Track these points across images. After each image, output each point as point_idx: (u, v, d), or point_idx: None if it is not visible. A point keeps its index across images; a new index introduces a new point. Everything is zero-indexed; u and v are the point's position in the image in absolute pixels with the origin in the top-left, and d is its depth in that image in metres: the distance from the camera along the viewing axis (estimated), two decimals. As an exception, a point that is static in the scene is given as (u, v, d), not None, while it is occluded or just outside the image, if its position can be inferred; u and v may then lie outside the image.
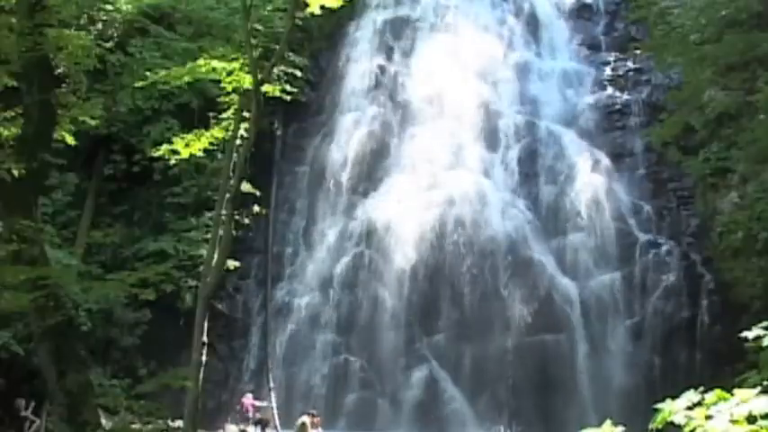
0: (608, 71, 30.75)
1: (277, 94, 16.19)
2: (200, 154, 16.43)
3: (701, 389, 3.72)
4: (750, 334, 7.22)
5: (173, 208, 27.19)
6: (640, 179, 28.26)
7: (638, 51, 30.07)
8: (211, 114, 16.49)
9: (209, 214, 24.74)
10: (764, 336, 6.94)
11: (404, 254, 26.70)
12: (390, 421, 24.76)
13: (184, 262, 25.34)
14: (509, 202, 27.81)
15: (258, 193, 23.06)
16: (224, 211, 14.24)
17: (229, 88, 15.12)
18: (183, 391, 14.71)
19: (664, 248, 26.11)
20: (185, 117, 25.18)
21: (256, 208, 20.29)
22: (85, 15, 24.83)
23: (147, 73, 17.89)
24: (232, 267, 19.79)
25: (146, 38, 27.45)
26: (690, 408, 3.58)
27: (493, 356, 25.19)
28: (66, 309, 14.86)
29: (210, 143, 15.77)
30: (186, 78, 16.66)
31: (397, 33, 32.27)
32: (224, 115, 15.68)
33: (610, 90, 30.20)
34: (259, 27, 21.03)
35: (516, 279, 26.14)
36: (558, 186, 27.96)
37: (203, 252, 21.15)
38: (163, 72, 17.21)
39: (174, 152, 15.98)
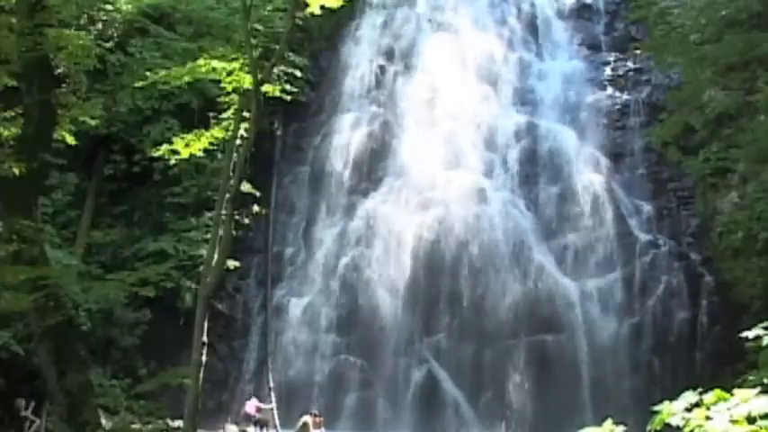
0: (608, 71, 30.76)
1: (277, 94, 16.17)
2: (200, 154, 16.41)
3: (701, 389, 3.72)
4: (750, 334, 7.21)
5: (173, 208, 27.18)
6: (640, 179, 28.25)
7: (638, 51, 30.07)
8: (211, 114, 16.48)
9: (209, 214, 24.74)
10: (764, 335, 6.94)
11: (404, 254, 26.70)
12: (390, 421, 24.76)
13: (184, 262, 25.35)
14: (509, 202, 27.80)
15: (258, 194, 23.01)
16: (224, 211, 14.23)
17: (229, 88, 15.10)
18: (182, 390, 14.72)
19: (664, 248, 26.11)
20: (185, 117, 25.18)
21: (256, 208, 20.25)
22: (85, 15, 24.83)
23: (147, 73, 17.87)
24: (232, 267, 19.78)
25: (146, 38, 27.45)
26: (688, 409, 3.58)
27: (493, 356, 25.20)
28: (66, 309, 14.86)
29: (210, 143, 15.75)
30: (186, 78, 16.63)
31: (397, 33, 32.27)
32: (224, 115, 15.67)
33: (610, 90, 30.21)
34: (259, 27, 21.04)
35: (516, 279, 26.14)
36: (558, 186, 27.96)
37: (203, 252, 21.14)
38: (163, 72, 17.19)
39: (174, 152, 15.96)
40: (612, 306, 25.57)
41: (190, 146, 15.73)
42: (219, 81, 15.48)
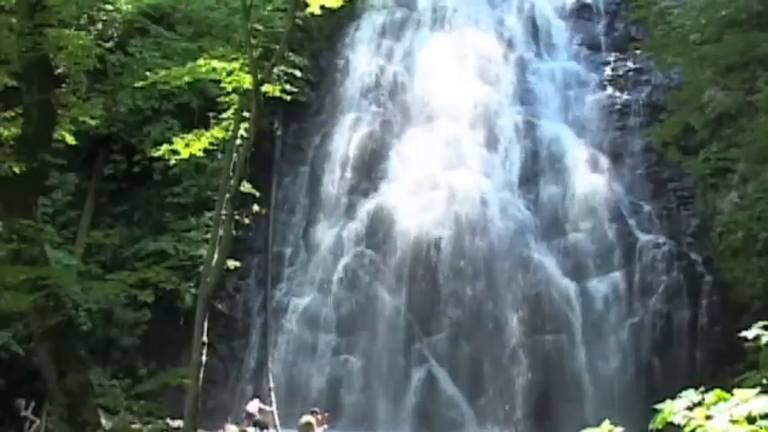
0: (608, 71, 30.75)
1: (277, 94, 16.18)
2: (200, 154, 16.41)
3: (701, 389, 3.72)
4: (750, 334, 7.22)
5: (173, 208, 27.18)
6: (640, 179, 28.25)
7: (638, 51, 30.05)
8: (211, 114, 16.48)
9: (209, 214, 24.73)
10: (764, 335, 6.94)
11: (404, 254, 26.70)
12: (390, 421, 24.76)
13: (184, 262, 25.34)
14: (509, 201, 27.80)
15: (258, 194, 23.03)
16: (224, 211, 14.23)
17: (229, 88, 15.10)
18: (182, 390, 14.73)
19: (664, 248, 26.11)
20: (185, 117, 25.17)
21: (256, 208, 20.28)
22: (85, 15, 24.83)
23: (147, 73, 17.87)
24: (232, 267, 19.78)
25: (146, 38, 27.44)
26: (690, 408, 3.58)
27: (493, 356, 25.20)
28: (66, 309, 14.86)
29: (210, 143, 15.76)
30: (186, 78, 16.64)
31: (397, 33, 32.28)
32: (224, 115, 15.67)
33: (610, 90, 30.20)
34: (259, 27, 21.04)
35: (516, 279, 26.14)
36: (557, 186, 27.96)
37: (203, 252, 21.14)
38: (163, 72, 17.19)
39: (174, 152, 15.96)
40: (612, 306, 25.56)
41: (190, 146, 15.74)
42: (219, 81, 15.48)
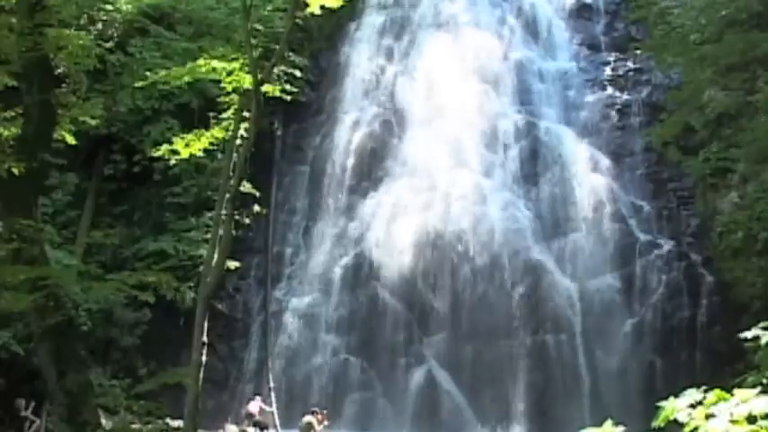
0: (608, 71, 30.74)
1: (277, 94, 16.18)
2: (200, 154, 16.42)
3: (702, 389, 3.72)
4: (749, 334, 7.22)
5: (173, 208, 27.18)
6: (640, 179, 28.25)
7: (638, 51, 30.05)
8: (211, 114, 16.49)
9: (209, 214, 24.73)
10: (763, 335, 6.95)
11: (404, 254, 26.70)
12: (390, 421, 24.75)
13: (184, 262, 25.35)
14: (509, 202, 27.80)
15: (258, 194, 23.06)
16: (224, 211, 14.23)
17: (229, 88, 15.11)
18: (182, 390, 14.72)
19: (664, 248, 26.11)
20: (185, 117, 25.18)
21: (256, 208, 20.30)
22: (85, 15, 24.83)
23: (147, 73, 17.88)
24: (232, 267, 19.82)
25: (146, 38, 27.44)
26: (692, 406, 3.58)
27: (493, 356, 25.19)
28: (66, 309, 14.85)
29: (210, 143, 15.76)
30: (186, 78, 16.64)
31: (397, 33, 32.27)
32: (224, 115, 15.67)
33: (610, 90, 30.20)
34: (259, 27, 21.02)
35: (516, 279, 26.14)
36: (557, 186, 27.95)
37: (203, 252, 21.14)
38: (163, 72, 17.20)
39: (174, 152, 15.97)
40: (612, 306, 25.56)
41: (190, 146, 15.74)
42: (219, 81, 15.48)
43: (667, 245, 26.19)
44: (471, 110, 29.43)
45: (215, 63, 15.20)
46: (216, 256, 14.10)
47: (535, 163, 28.61)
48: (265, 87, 14.69)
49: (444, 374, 25.28)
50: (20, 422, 20.69)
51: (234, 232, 14.74)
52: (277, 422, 24.54)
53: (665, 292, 25.29)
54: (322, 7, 14.07)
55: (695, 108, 26.43)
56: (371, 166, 29.02)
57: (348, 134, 29.54)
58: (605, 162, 28.33)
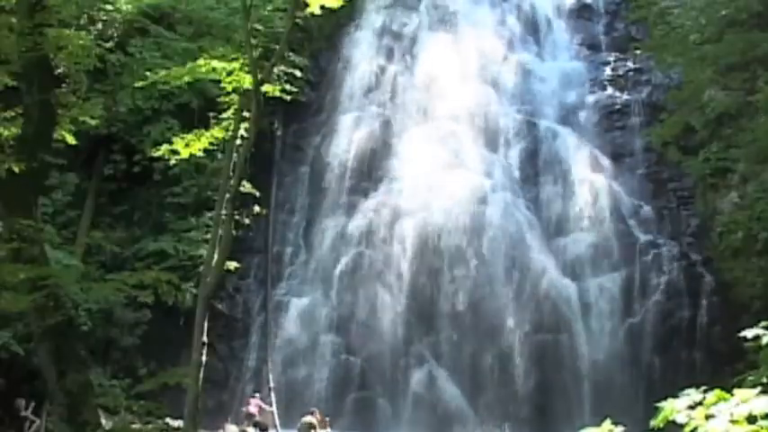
0: (608, 71, 30.75)
1: (277, 94, 16.16)
2: (200, 154, 16.40)
3: (702, 389, 3.72)
4: (749, 333, 7.21)
5: (173, 208, 27.18)
6: (640, 179, 28.26)
7: (638, 51, 30.07)
8: (211, 114, 16.46)
9: (209, 214, 24.72)
10: (764, 335, 6.94)
11: (404, 254, 26.70)
12: (390, 421, 24.76)
13: (184, 262, 25.34)
14: (509, 202, 27.80)
15: (258, 194, 23.01)
16: (224, 211, 14.23)
17: (229, 88, 15.10)
18: (183, 390, 14.72)
19: (664, 248, 26.11)
20: (185, 117, 25.17)
21: (256, 208, 20.26)
22: (85, 15, 24.82)
23: (147, 73, 17.86)
24: (232, 268, 19.78)
25: (146, 38, 27.44)
26: (692, 407, 3.58)
27: (493, 356, 25.20)
28: (66, 309, 14.84)
29: (210, 143, 15.75)
30: (186, 78, 16.63)
31: (397, 33, 32.27)
32: (224, 115, 15.66)
33: (610, 90, 30.20)
34: (259, 27, 21.00)
35: (516, 279, 26.14)
36: (558, 186, 27.96)
37: (203, 252, 21.13)
38: (163, 72, 17.18)
39: (174, 152, 15.95)
40: (612, 306, 25.56)
41: (190, 146, 15.73)
42: (219, 81, 15.47)
43: (667, 245, 26.19)
44: (471, 110, 29.44)
45: (215, 63, 15.20)
46: (216, 256, 14.10)
47: (535, 163, 28.62)
48: (265, 87, 14.69)
49: (444, 374, 25.28)
50: (20, 422, 20.69)
51: (234, 232, 14.72)
52: (277, 422, 24.53)
53: (665, 292, 25.29)
54: (322, 7, 14.07)
55: (695, 108, 26.44)
56: (371, 166, 29.02)
57: (348, 134, 29.54)
58: (605, 162, 28.34)
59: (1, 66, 14.73)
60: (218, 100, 16.13)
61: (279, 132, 29.71)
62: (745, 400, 3.52)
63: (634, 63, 30.55)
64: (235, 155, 14.61)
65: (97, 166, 27.57)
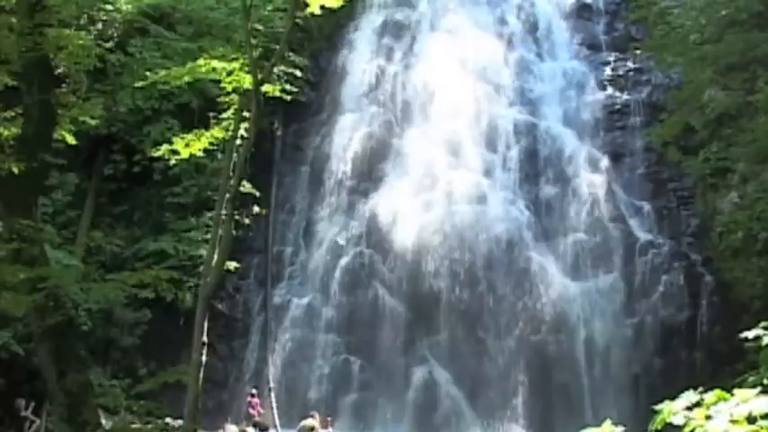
0: (608, 71, 30.74)
1: (277, 94, 16.17)
2: (200, 154, 16.39)
3: (701, 389, 3.72)
4: (750, 334, 7.22)
5: (173, 208, 27.19)
6: (640, 179, 28.25)
7: (638, 51, 30.04)
8: (211, 114, 16.46)
9: (209, 214, 24.73)
10: (764, 335, 6.95)
11: (404, 254, 26.70)
12: (390, 421, 24.77)
13: (184, 262, 25.34)
14: (509, 202, 27.80)
15: (258, 194, 23.03)
16: (224, 211, 14.23)
17: (229, 88, 15.09)
18: (183, 390, 14.71)
19: (664, 248, 26.11)
20: (185, 117, 25.18)
21: (256, 208, 20.26)
22: (85, 15, 24.82)
23: (147, 73, 17.87)
24: (232, 268, 19.80)
25: (146, 38, 27.45)
26: (689, 408, 3.58)
27: (493, 356, 25.21)
28: (66, 309, 14.84)
29: (210, 143, 15.74)
30: (186, 78, 16.63)
31: (397, 34, 32.26)
32: (224, 115, 15.65)
33: (610, 90, 30.19)
34: (259, 27, 21.01)
35: (516, 279, 26.14)
36: (558, 186, 27.96)
37: (203, 252, 21.14)
38: (163, 72, 17.19)
39: (174, 152, 15.95)
40: (612, 306, 25.56)
41: (190, 146, 15.72)
42: (219, 81, 15.47)
43: (667, 245, 26.19)
44: (471, 110, 29.43)
45: (215, 63, 15.19)
46: (216, 256, 14.10)
47: (535, 163, 28.61)
48: (265, 87, 14.68)
49: (444, 374, 25.28)
50: (20, 422, 20.69)
51: (234, 232, 14.72)
52: (277, 422, 24.54)
53: (665, 292, 25.29)
54: (322, 7, 14.06)
55: (695, 108, 26.43)
56: (371, 166, 29.02)
57: (348, 134, 29.54)
58: (605, 162, 28.34)
59: (1, 66, 14.73)
60: (218, 100, 16.13)
61: (279, 132, 29.71)
62: (745, 400, 3.52)
63: (634, 63, 30.54)
64: (235, 155, 14.61)
65: (97, 166, 27.58)
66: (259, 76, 13.72)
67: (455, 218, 27.02)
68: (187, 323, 18.86)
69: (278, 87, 16.38)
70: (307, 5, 14.11)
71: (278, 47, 15.42)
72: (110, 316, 24.52)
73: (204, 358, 13.59)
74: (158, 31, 27.24)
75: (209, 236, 17.95)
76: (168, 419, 18.92)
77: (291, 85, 21.50)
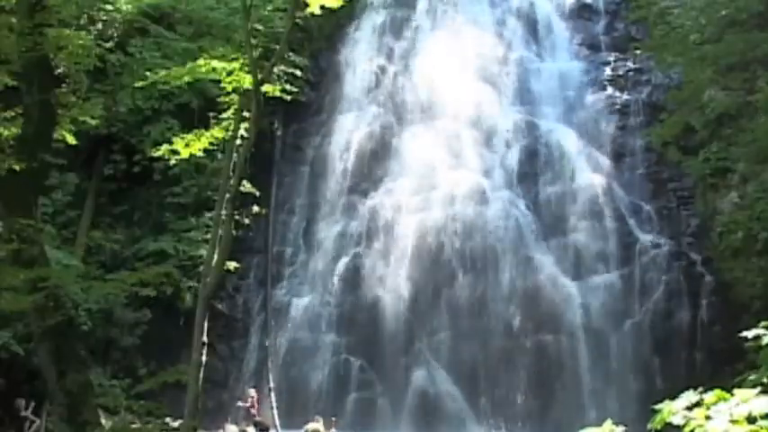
0: (608, 71, 30.72)
1: (277, 94, 16.18)
2: (200, 154, 16.41)
3: (701, 389, 3.72)
4: (750, 334, 7.22)
5: (173, 208, 27.19)
6: (640, 179, 28.24)
7: (638, 51, 30.02)
8: (211, 114, 16.48)
9: (209, 214, 24.73)
10: (764, 335, 6.95)
11: (404, 254, 26.70)
12: (390, 421, 24.75)
13: (184, 262, 25.35)
14: (509, 201, 27.80)
15: (258, 193, 23.04)
16: (224, 211, 14.24)
17: (229, 88, 15.10)
18: (182, 390, 14.72)
19: (664, 248, 26.10)
20: (185, 117, 25.18)
21: (256, 208, 20.29)
22: (85, 15, 24.83)
23: (147, 73, 17.88)
24: (232, 268, 19.81)
25: (146, 38, 27.45)
26: (689, 408, 3.58)
27: (493, 356, 25.20)
28: (66, 309, 14.85)
29: (210, 143, 15.76)
30: (186, 78, 16.64)
31: (397, 33, 32.26)
32: (224, 115, 15.66)
33: (610, 90, 30.17)
34: (259, 27, 21.03)
35: (516, 279, 26.14)
36: (558, 186, 27.95)
37: (203, 252, 21.14)
38: (163, 72, 17.20)
39: (174, 152, 15.96)
40: (612, 306, 25.55)
41: (190, 146, 15.73)
42: (219, 81, 15.48)
43: (667, 245, 26.18)
44: (471, 110, 29.43)
45: (215, 63, 15.21)
46: (216, 256, 14.10)
47: (535, 163, 28.60)
48: (265, 87, 14.69)
49: (444, 374, 25.28)
50: (20, 422, 20.69)
51: (234, 232, 14.74)
52: (277, 422, 24.54)
53: (665, 292, 25.28)
54: (322, 7, 14.08)
55: (695, 108, 26.42)
56: (371, 166, 29.02)
57: (348, 134, 29.54)
58: (605, 162, 28.32)
59: (1, 66, 14.75)
60: (218, 100, 16.14)
61: (279, 132, 29.71)
62: (745, 400, 3.52)
63: (634, 63, 30.51)
64: (235, 155, 14.62)
65: (97, 166, 27.58)
66: (259, 76, 13.73)
67: (455, 218, 27.02)
68: (187, 323, 18.87)
69: (278, 87, 16.40)
70: (307, 5, 14.13)
71: (278, 47, 15.43)
72: (110, 316, 24.52)
73: (204, 358, 13.60)
74: (158, 31, 27.25)
75: (209, 236, 17.95)
76: (168, 419, 18.93)
77: (291, 85, 21.52)
